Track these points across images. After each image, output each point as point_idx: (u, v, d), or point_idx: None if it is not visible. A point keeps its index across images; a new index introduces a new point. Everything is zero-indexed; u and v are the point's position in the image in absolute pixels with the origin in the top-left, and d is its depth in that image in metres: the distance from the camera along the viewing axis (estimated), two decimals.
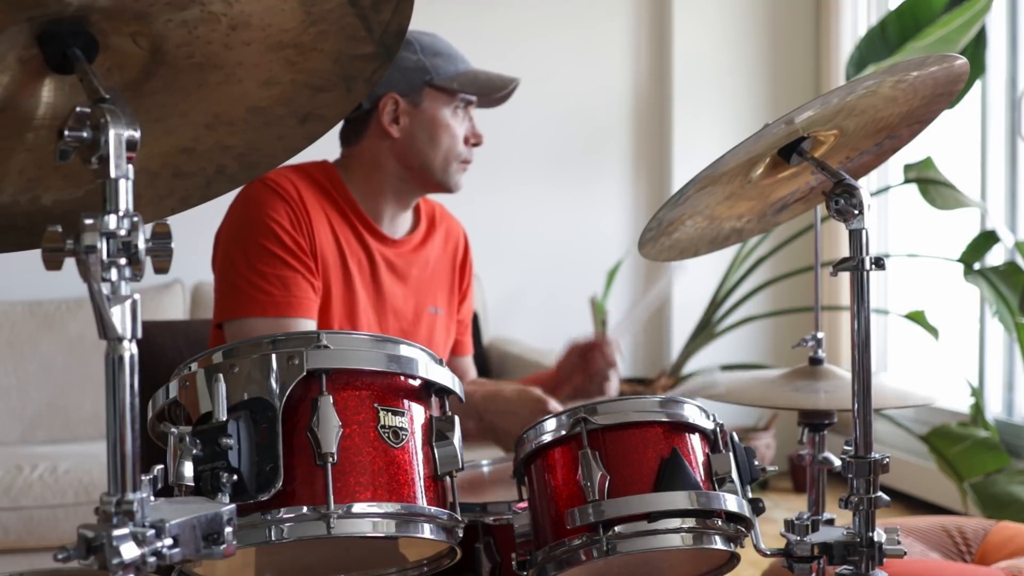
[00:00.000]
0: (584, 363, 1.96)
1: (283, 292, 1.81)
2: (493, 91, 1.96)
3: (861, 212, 1.32)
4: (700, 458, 1.33)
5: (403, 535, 1.19)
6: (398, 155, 1.94)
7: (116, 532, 0.90)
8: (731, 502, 1.30)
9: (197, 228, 1.93)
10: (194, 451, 1.10)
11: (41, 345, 3.71)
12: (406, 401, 1.23)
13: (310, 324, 1.82)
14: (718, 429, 1.36)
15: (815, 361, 1.80)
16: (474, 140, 1.97)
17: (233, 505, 1.04)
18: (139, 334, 0.92)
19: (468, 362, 2.19)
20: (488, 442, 1.88)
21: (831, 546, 1.35)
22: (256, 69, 1.13)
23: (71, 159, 0.95)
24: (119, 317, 0.90)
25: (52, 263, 0.92)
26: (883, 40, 3.80)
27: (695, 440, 1.34)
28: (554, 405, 1.79)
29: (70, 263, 0.93)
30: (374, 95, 1.92)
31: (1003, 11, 3.90)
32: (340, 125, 2.00)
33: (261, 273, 1.81)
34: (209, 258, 1.92)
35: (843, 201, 1.33)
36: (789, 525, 1.37)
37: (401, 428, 1.21)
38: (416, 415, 1.24)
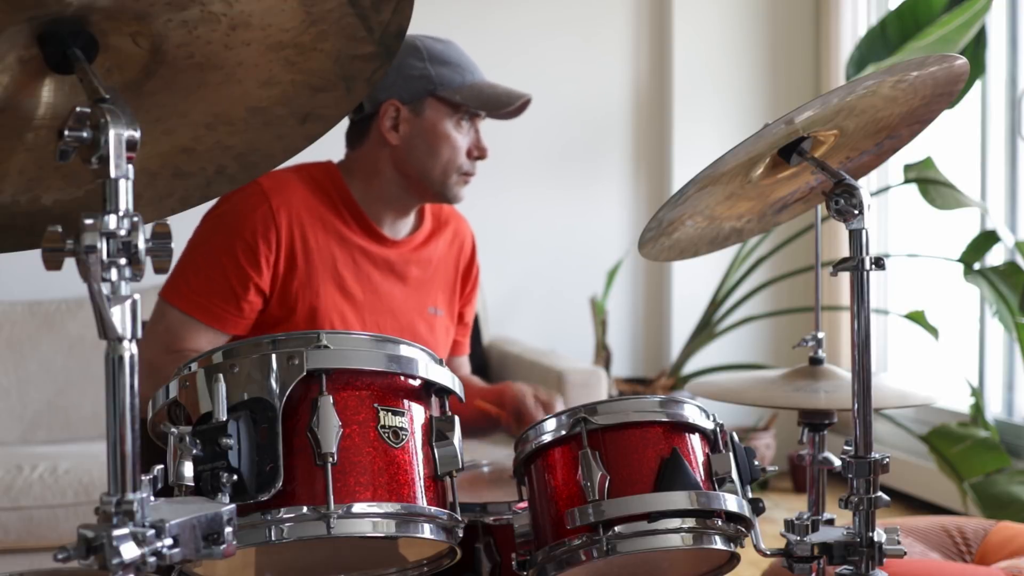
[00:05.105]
0: (517, 417, 1.89)
1: (206, 297, 1.80)
2: (499, 107, 1.92)
3: (861, 212, 1.33)
4: (700, 458, 1.33)
5: (403, 535, 1.19)
6: (396, 163, 1.92)
7: (116, 532, 0.90)
8: (731, 502, 1.30)
9: None
10: (194, 451, 1.10)
11: (41, 345, 3.71)
12: (406, 401, 1.24)
13: (217, 336, 1.81)
14: (718, 429, 1.36)
15: (815, 361, 1.80)
16: (478, 153, 1.93)
17: (233, 505, 1.04)
18: (139, 334, 0.92)
19: (463, 361, 2.19)
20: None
21: (831, 546, 1.35)
22: (256, 69, 1.13)
23: (71, 159, 0.95)
24: (119, 317, 0.91)
25: (52, 263, 0.92)
26: (883, 40, 3.80)
27: (695, 440, 1.34)
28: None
29: (70, 263, 0.93)
30: (377, 100, 1.89)
31: (1003, 11, 3.90)
32: (346, 126, 1.99)
33: (198, 266, 1.82)
34: None
35: (843, 201, 1.33)
36: (789, 525, 1.37)
37: (401, 428, 1.21)
38: (416, 415, 1.24)
